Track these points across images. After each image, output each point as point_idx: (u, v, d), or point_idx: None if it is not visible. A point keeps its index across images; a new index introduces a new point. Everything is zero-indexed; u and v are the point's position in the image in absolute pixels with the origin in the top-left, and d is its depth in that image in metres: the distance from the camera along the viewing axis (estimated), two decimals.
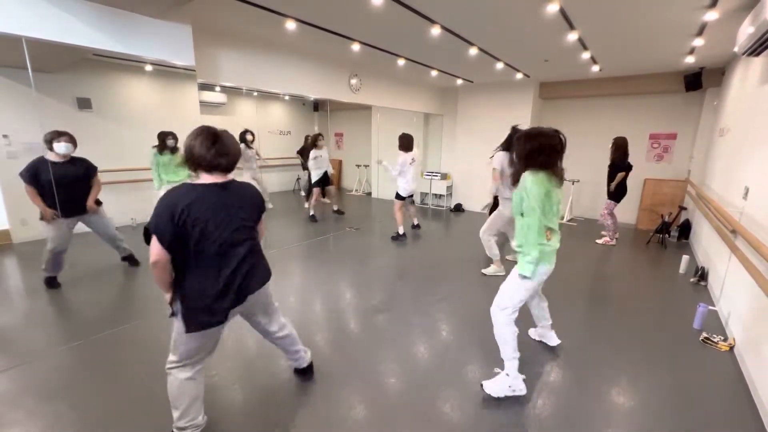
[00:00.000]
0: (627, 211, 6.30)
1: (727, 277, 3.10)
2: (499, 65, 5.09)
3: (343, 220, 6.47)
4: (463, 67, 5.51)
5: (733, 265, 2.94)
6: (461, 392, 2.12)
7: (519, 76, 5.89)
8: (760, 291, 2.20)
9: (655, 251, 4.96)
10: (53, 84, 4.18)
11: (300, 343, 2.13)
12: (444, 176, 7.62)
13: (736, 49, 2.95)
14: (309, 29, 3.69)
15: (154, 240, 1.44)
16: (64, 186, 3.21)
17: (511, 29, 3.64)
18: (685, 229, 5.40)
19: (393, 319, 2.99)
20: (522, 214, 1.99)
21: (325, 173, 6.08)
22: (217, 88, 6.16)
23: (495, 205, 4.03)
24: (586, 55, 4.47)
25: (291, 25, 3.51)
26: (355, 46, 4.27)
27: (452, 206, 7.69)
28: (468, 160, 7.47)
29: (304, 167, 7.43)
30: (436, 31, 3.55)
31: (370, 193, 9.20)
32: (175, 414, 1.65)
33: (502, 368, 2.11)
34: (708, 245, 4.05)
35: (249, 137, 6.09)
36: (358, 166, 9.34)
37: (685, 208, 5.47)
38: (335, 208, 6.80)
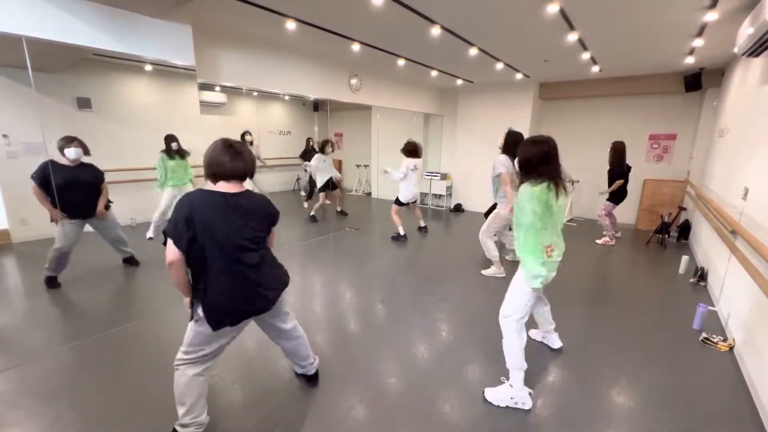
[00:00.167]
0: (627, 211, 6.31)
1: (726, 277, 3.10)
2: (499, 65, 5.10)
3: (343, 220, 6.48)
4: (463, 68, 5.51)
5: (732, 266, 2.94)
6: (461, 392, 2.12)
7: (519, 76, 5.89)
8: (760, 291, 2.21)
9: (654, 251, 4.96)
10: (53, 84, 4.17)
11: (311, 349, 2.13)
12: (444, 176, 7.62)
13: (735, 50, 2.95)
14: (309, 29, 3.69)
15: (170, 242, 1.49)
16: (74, 189, 3.28)
17: (511, 29, 3.64)
18: (685, 229, 5.41)
19: (393, 319, 2.99)
20: (519, 226, 1.93)
21: (330, 178, 6.13)
22: (217, 88, 6.15)
23: (493, 206, 4.02)
24: (586, 56, 4.48)
25: (291, 25, 3.51)
26: (355, 46, 4.27)
27: (452, 206, 7.69)
28: (468, 161, 7.47)
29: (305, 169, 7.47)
30: (436, 31, 3.55)
31: (370, 193, 9.21)
32: (181, 410, 1.66)
33: (509, 378, 2.05)
34: (707, 246, 4.06)
35: (248, 138, 6.08)
36: (358, 166, 9.34)
37: (685, 209, 5.47)
38: (339, 209, 6.82)
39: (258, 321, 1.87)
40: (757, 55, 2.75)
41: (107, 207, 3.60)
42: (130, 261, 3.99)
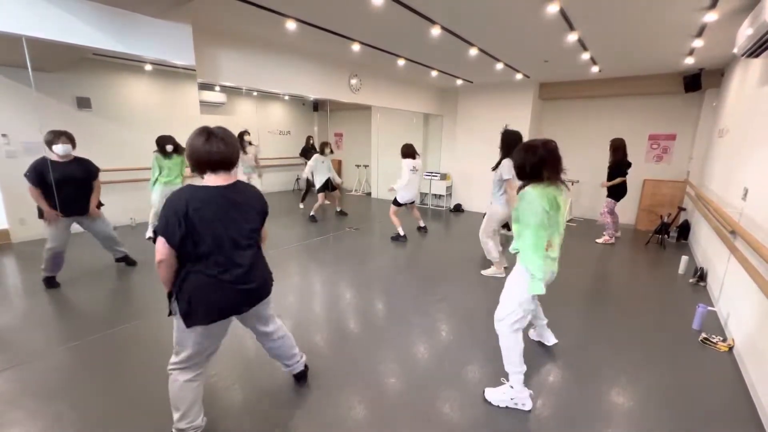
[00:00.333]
0: (626, 211, 6.32)
1: (726, 277, 3.11)
2: (499, 66, 5.10)
3: (343, 220, 6.48)
4: (463, 68, 5.51)
5: (732, 266, 2.95)
6: (461, 392, 2.12)
7: (519, 76, 5.90)
8: (759, 291, 2.21)
9: (654, 252, 4.96)
10: (53, 83, 4.17)
11: (296, 347, 2.11)
12: (444, 176, 7.62)
13: (735, 51, 2.96)
14: (309, 29, 3.69)
15: (161, 240, 1.46)
16: (66, 186, 3.23)
17: (512, 30, 3.65)
18: (684, 229, 5.41)
19: (393, 319, 2.99)
20: (518, 226, 1.92)
21: (329, 179, 6.16)
22: (217, 88, 6.16)
23: None
24: (585, 56, 4.48)
25: (291, 25, 3.51)
26: (355, 47, 4.27)
27: (452, 206, 7.70)
28: (468, 161, 7.47)
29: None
30: (436, 31, 3.55)
31: (369, 193, 9.21)
32: (176, 415, 1.65)
33: (509, 379, 2.05)
34: (707, 246, 4.06)
35: (247, 138, 6.05)
36: (358, 166, 9.34)
37: (684, 209, 5.48)
38: (338, 209, 6.83)
39: (241, 321, 1.84)
40: (757, 56, 2.76)
41: (99, 206, 3.55)
42: (125, 260, 3.94)
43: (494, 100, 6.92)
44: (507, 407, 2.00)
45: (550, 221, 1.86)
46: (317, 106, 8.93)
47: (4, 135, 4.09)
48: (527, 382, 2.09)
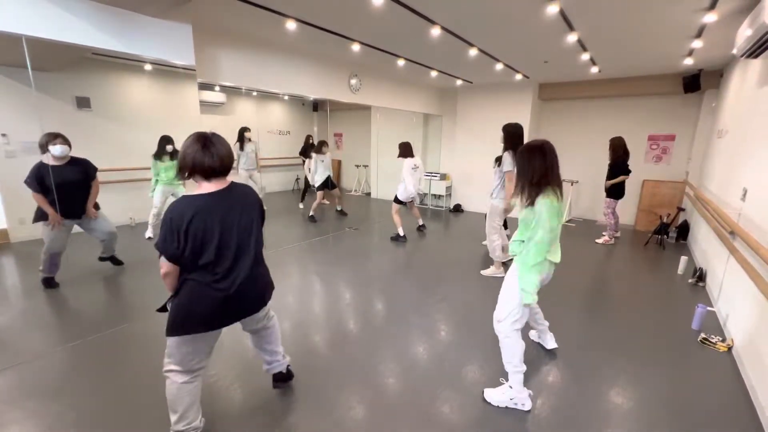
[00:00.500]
0: (626, 212, 6.32)
1: (725, 278, 3.11)
2: (499, 66, 5.10)
3: (342, 220, 6.48)
4: (463, 68, 5.52)
5: (731, 267, 2.95)
6: (461, 392, 2.12)
7: (518, 77, 5.90)
8: (758, 292, 2.22)
9: (653, 252, 4.97)
10: (52, 83, 4.17)
11: (281, 346, 2.08)
12: (443, 177, 7.62)
13: (734, 51, 2.97)
14: (309, 29, 3.69)
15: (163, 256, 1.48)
16: (64, 189, 3.18)
17: (511, 30, 3.65)
18: (684, 230, 5.42)
19: (392, 319, 2.99)
20: (530, 239, 1.90)
21: (329, 177, 6.17)
22: (217, 88, 6.15)
23: None
24: (585, 57, 4.49)
25: (291, 25, 3.51)
26: (355, 47, 4.27)
27: (451, 207, 7.70)
28: (467, 161, 7.48)
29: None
30: (436, 31, 3.56)
31: (369, 194, 9.21)
32: (173, 417, 1.64)
33: (508, 379, 2.05)
34: (706, 246, 4.07)
35: (248, 135, 6.11)
36: (357, 166, 9.34)
37: (684, 209, 5.49)
38: (339, 208, 6.83)
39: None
40: (756, 57, 2.77)
41: (96, 207, 3.51)
42: (113, 261, 3.89)
43: (494, 100, 6.93)
44: (507, 407, 2.00)
45: (553, 234, 1.87)
46: (317, 106, 8.92)
47: (3, 135, 4.08)
48: (527, 382, 2.09)
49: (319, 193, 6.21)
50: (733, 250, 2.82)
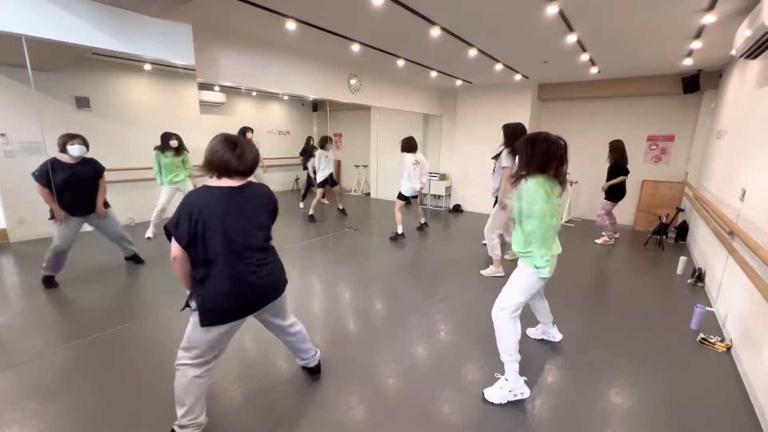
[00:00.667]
0: (625, 212, 6.33)
1: (724, 278, 3.12)
2: (499, 66, 5.11)
3: (342, 220, 6.48)
4: (463, 68, 5.52)
5: (730, 267, 2.96)
6: (461, 392, 2.12)
7: (518, 77, 5.91)
8: (757, 292, 2.22)
9: (652, 252, 4.98)
10: (51, 82, 4.16)
11: (310, 342, 2.15)
12: (443, 177, 7.63)
13: (733, 52, 2.97)
14: (309, 30, 3.69)
15: (174, 238, 1.52)
16: (74, 187, 3.25)
17: (511, 31, 3.65)
18: (683, 230, 5.43)
19: (392, 319, 2.99)
20: (522, 223, 1.94)
21: (331, 175, 6.15)
22: (217, 88, 6.14)
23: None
24: (585, 57, 4.49)
25: (291, 25, 3.51)
26: (355, 47, 4.27)
27: (451, 207, 7.70)
28: (467, 161, 7.48)
29: (305, 167, 7.49)
30: (435, 32, 3.56)
31: (368, 194, 9.21)
32: (180, 411, 1.65)
33: (503, 373, 2.08)
34: (705, 247, 4.07)
35: (249, 135, 6.06)
36: (357, 166, 9.34)
37: (683, 210, 5.50)
38: (340, 206, 6.82)
39: (257, 317, 1.87)
40: (755, 58, 2.77)
41: (106, 205, 3.58)
42: (135, 259, 3.99)
43: (493, 100, 6.93)
44: (508, 402, 2.02)
45: (555, 209, 1.86)
46: (316, 106, 8.92)
47: (2, 134, 4.08)
48: (526, 381, 2.10)
49: (319, 191, 6.19)
50: (732, 251, 2.83)
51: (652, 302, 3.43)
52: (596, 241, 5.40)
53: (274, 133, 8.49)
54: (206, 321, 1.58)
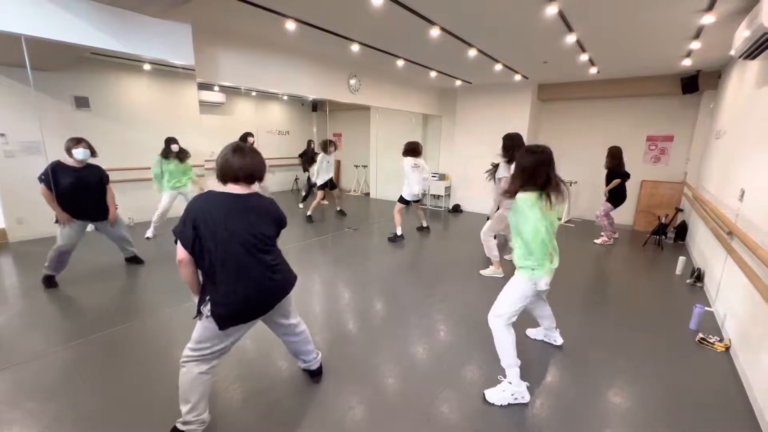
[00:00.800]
0: (624, 212, 6.33)
1: (723, 278, 3.13)
2: (498, 67, 5.11)
3: (342, 220, 6.48)
4: (462, 69, 5.52)
5: (729, 267, 2.96)
6: (461, 392, 2.13)
7: (518, 77, 5.91)
8: (756, 292, 2.23)
9: (651, 252, 4.99)
10: (50, 82, 4.15)
11: (312, 344, 2.16)
12: (442, 177, 7.63)
13: (732, 53, 2.98)
14: (309, 30, 3.69)
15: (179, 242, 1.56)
16: (79, 190, 3.27)
17: (511, 31, 3.66)
18: (682, 230, 5.44)
19: (392, 319, 2.99)
20: (517, 235, 1.98)
21: (331, 178, 6.19)
22: (216, 88, 6.14)
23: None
24: (584, 57, 4.50)
25: (291, 25, 3.51)
26: (355, 47, 4.27)
27: (450, 207, 7.71)
28: (467, 161, 7.49)
29: (305, 169, 7.50)
30: (435, 32, 3.56)
31: (368, 194, 9.21)
32: (185, 408, 1.67)
33: (505, 376, 2.10)
34: (704, 247, 4.08)
35: (250, 140, 6.04)
36: (357, 166, 9.34)
37: (682, 210, 5.51)
38: (339, 208, 6.84)
39: (264, 319, 1.88)
40: (754, 58, 2.78)
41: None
42: (134, 260, 4.00)
43: (493, 101, 6.94)
44: (509, 404, 2.02)
45: (551, 223, 1.89)
46: (316, 106, 8.92)
47: (2, 134, 4.07)
48: (527, 381, 2.11)
49: (320, 193, 6.21)
50: (730, 251, 2.83)
51: (651, 302, 3.43)
52: (595, 241, 5.41)
53: (273, 134, 8.49)
54: (222, 325, 1.62)
